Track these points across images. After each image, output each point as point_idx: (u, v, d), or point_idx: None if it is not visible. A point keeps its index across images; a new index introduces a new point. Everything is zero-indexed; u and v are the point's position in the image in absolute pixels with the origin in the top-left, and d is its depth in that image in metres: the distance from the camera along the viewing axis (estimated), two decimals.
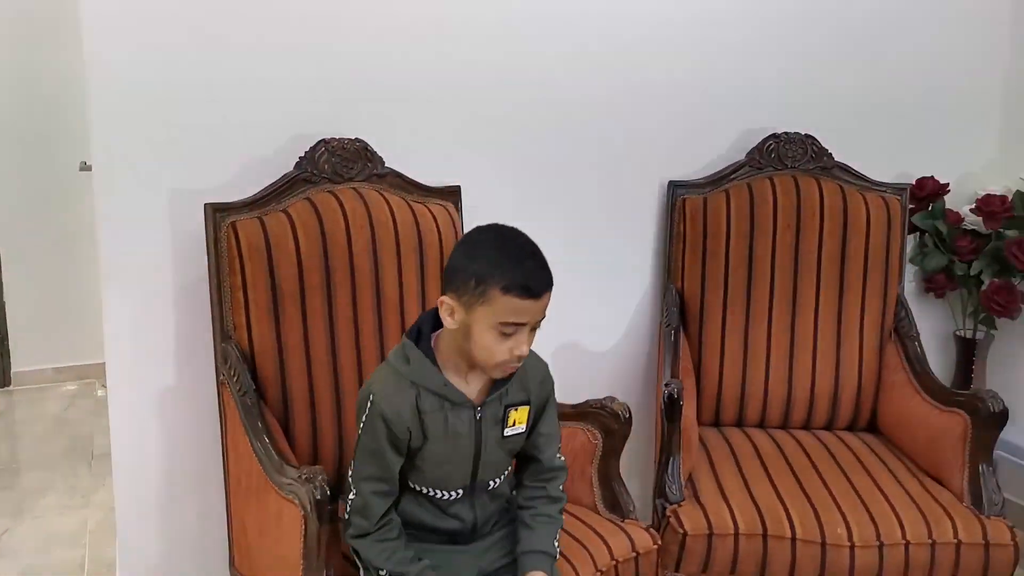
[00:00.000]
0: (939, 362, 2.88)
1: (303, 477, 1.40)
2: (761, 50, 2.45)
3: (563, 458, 1.61)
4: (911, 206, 2.65)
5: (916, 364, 2.21)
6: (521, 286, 1.35)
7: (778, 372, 2.30)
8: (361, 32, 2.04)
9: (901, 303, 2.34)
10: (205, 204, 1.78)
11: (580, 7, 2.27)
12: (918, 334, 2.29)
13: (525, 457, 1.59)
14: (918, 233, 2.71)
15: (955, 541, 1.81)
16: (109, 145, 1.86)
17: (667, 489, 1.92)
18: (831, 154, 2.43)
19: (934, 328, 2.86)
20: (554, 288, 2.28)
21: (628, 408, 1.81)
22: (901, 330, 2.31)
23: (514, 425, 1.50)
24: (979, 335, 2.74)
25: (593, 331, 2.49)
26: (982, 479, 1.89)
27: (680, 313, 2.35)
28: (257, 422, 1.62)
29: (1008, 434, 2.35)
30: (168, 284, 1.94)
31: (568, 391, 2.39)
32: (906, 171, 2.66)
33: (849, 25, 2.53)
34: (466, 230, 2.15)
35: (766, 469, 2.03)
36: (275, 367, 1.76)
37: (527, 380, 1.52)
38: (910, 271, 2.76)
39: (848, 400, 2.30)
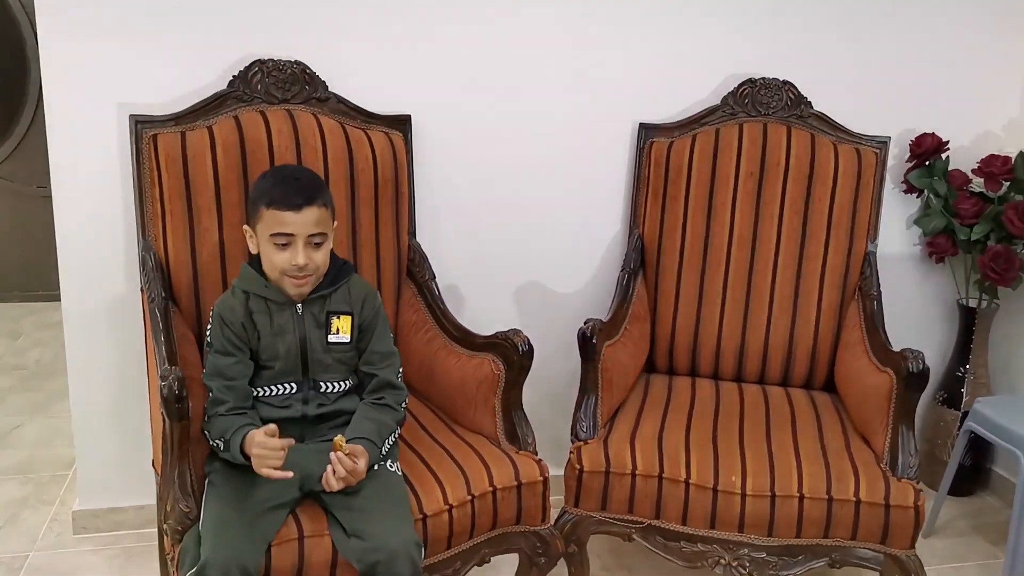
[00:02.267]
0: (943, 331, 2.74)
1: (160, 375, 1.47)
2: None
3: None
4: (911, 163, 2.51)
5: (870, 322, 2.11)
6: (280, 200, 1.58)
7: (732, 323, 2.25)
8: None
9: (868, 260, 2.22)
10: (129, 116, 1.86)
11: None
12: (879, 293, 2.18)
13: (366, 376, 1.72)
14: (924, 193, 2.57)
15: (854, 499, 1.74)
16: (58, 61, 1.95)
17: (577, 427, 1.91)
18: (810, 102, 2.32)
19: (938, 295, 2.72)
20: (519, 227, 2.30)
21: (528, 341, 1.82)
22: (864, 288, 2.20)
23: (338, 333, 1.66)
24: (983, 305, 2.59)
25: (559, 274, 2.48)
26: (900, 441, 1.81)
27: (641, 259, 2.31)
28: (159, 324, 1.70)
29: (998, 413, 2.22)
30: (117, 197, 2.04)
31: (530, 330, 2.41)
32: (915, 127, 2.52)
33: None
34: (417, 161, 2.18)
35: (690, 417, 2.00)
36: (189, 277, 1.85)
37: (350, 296, 1.71)
38: (916, 233, 2.63)
39: (803, 356, 2.23)
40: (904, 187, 2.54)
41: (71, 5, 1.94)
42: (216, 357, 1.62)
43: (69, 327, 2.15)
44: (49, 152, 2.01)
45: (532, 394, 2.41)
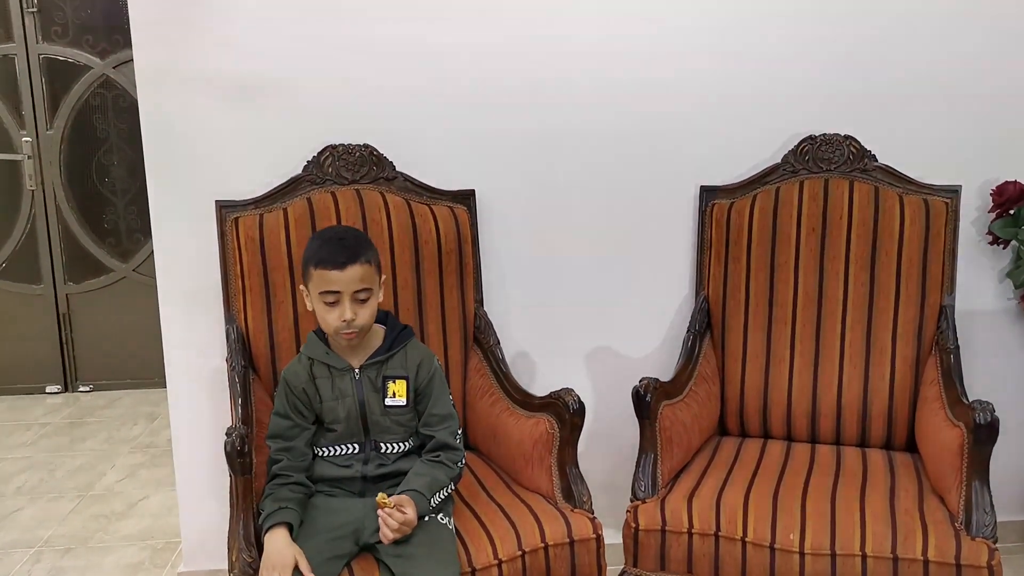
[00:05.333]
0: None
1: (226, 432, 1.60)
2: (813, 49, 2.36)
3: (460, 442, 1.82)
4: (994, 213, 2.43)
5: (947, 377, 2.03)
6: (325, 260, 1.69)
7: (802, 382, 2.21)
8: (394, 48, 2.25)
9: (944, 313, 2.15)
10: (215, 201, 2.06)
11: (611, 6, 2.30)
12: (957, 346, 2.09)
13: (426, 437, 1.79)
14: (1013, 244, 2.47)
15: (922, 559, 1.67)
16: (157, 160, 2.20)
17: (636, 486, 1.92)
18: (874, 155, 2.30)
19: None
20: (588, 293, 2.36)
21: (579, 400, 1.85)
22: (941, 342, 2.12)
23: (394, 396, 1.74)
24: None
25: (629, 338, 2.51)
26: (974, 497, 1.72)
27: (708, 320, 2.32)
28: (237, 390, 1.85)
29: None
30: (211, 278, 2.22)
31: (601, 394, 2.45)
32: (998, 176, 2.44)
33: (917, 15, 2.36)
34: (483, 232, 2.30)
35: (754, 476, 1.97)
36: (266, 347, 2.01)
37: (407, 360, 1.80)
38: (1010, 286, 2.51)
39: (879, 414, 2.16)
40: (990, 238, 2.45)
41: (168, 111, 2.18)
42: (276, 419, 1.75)
43: (173, 401, 2.35)
44: (154, 241, 2.25)
45: (605, 461, 2.45)
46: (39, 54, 3.97)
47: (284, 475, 1.70)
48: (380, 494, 1.60)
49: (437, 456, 1.77)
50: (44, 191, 4.09)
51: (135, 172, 4.04)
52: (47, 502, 3.12)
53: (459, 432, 1.82)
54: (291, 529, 1.63)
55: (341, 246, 1.72)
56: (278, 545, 1.59)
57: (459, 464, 1.78)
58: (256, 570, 1.60)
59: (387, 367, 1.78)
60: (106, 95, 4.04)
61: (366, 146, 2.18)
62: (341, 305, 1.69)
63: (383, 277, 1.81)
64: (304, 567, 1.56)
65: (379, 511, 1.59)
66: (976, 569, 1.65)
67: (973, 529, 1.70)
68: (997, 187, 2.40)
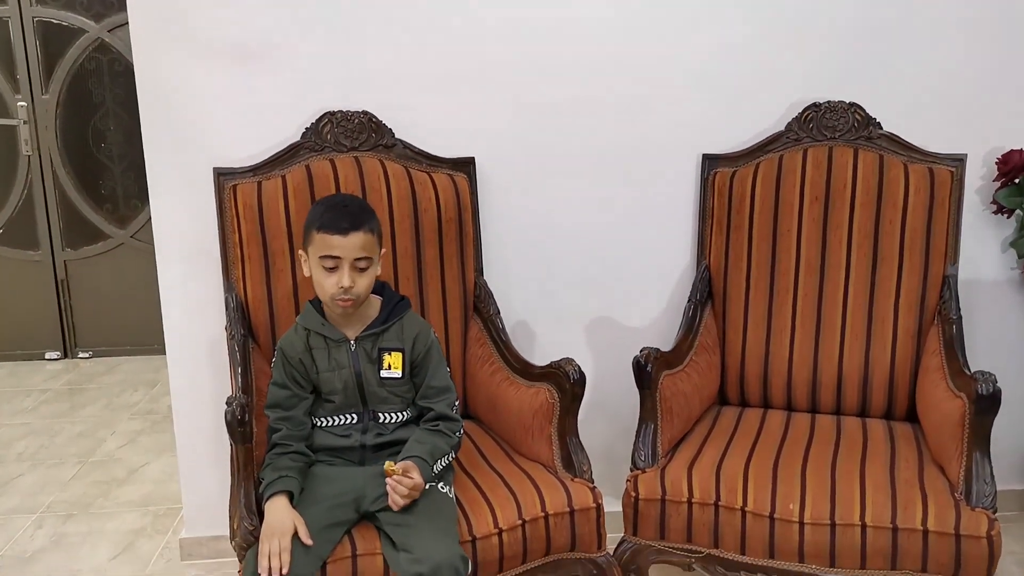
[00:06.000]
0: None
1: (226, 401, 1.60)
2: (817, 15, 2.33)
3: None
4: (999, 182, 2.41)
5: (949, 348, 2.02)
6: (328, 225, 1.68)
7: (802, 352, 2.20)
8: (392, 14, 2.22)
9: (947, 283, 2.14)
10: (213, 168, 2.04)
11: None
12: (959, 316, 2.08)
13: (424, 409, 1.80)
14: (1017, 213, 2.45)
15: (921, 529, 1.67)
16: (155, 126, 2.17)
17: (636, 456, 1.92)
18: (879, 123, 2.27)
19: None
20: (588, 263, 2.35)
21: (579, 369, 1.85)
22: (943, 312, 2.11)
23: (389, 368, 1.74)
24: None
25: (630, 307, 2.50)
26: (975, 468, 1.72)
27: (709, 290, 2.31)
28: (236, 359, 1.84)
29: None
30: (210, 246, 2.21)
31: (601, 364, 2.45)
32: (1004, 144, 2.42)
33: None
34: (483, 201, 2.28)
35: (754, 446, 1.97)
36: (266, 316, 2.00)
37: (403, 333, 1.79)
38: (1014, 256, 2.50)
39: (880, 384, 2.15)
40: (994, 208, 2.43)
41: (165, 75, 2.15)
42: (274, 389, 1.75)
43: (173, 369, 2.34)
44: (151, 209, 2.22)
45: (607, 430, 2.45)
46: (33, 17, 3.91)
47: (284, 444, 1.69)
48: (387, 462, 1.61)
49: (436, 425, 1.77)
50: (40, 156, 4.06)
51: (132, 137, 4.00)
52: (48, 468, 3.14)
53: (456, 404, 1.82)
54: (291, 497, 1.63)
55: (346, 212, 1.70)
56: (278, 513, 1.59)
57: (458, 434, 1.78)
58: (257, 538, 1.60)
59: (383, 339, 1.78)
60: (101, 59, 3.99)
61: (365, 113, 2.15)
62: (340, 271, 1.67)
63: (383, 250, 1.79)
64: (304, 534, 1.57)
65: (388, 479, 1.59)
66: (975, 539, 1.65)
67: (973, 499, 1.71)
68: (1002, 156, 2.38)
